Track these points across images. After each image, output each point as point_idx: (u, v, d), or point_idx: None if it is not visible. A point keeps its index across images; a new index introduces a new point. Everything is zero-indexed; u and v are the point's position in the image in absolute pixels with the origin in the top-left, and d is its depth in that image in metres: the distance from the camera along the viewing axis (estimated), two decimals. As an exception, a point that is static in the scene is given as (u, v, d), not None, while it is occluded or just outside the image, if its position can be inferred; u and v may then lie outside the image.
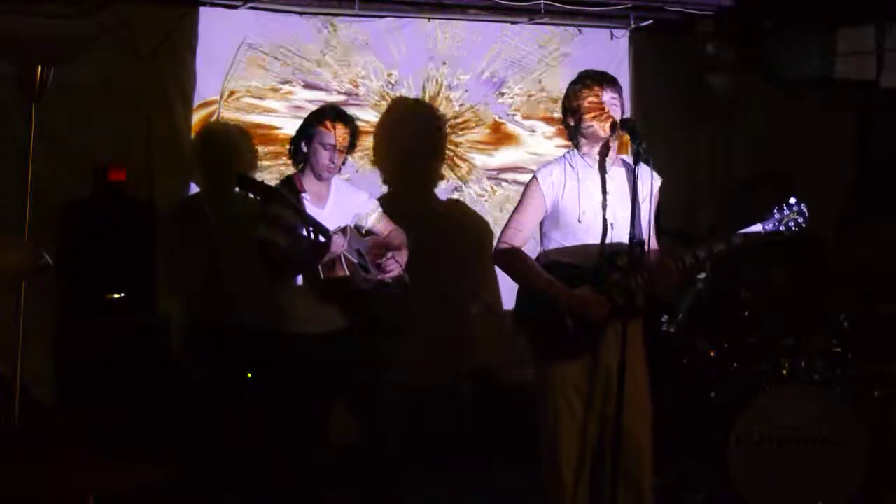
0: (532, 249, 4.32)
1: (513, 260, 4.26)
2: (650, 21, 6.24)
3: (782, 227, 4.26)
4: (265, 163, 5.78)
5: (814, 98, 6.67)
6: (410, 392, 5.30)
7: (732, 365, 5.31)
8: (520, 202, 4.30)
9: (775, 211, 4.26)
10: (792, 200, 4.27)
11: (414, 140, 6.08)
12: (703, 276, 5.31)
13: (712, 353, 5.37)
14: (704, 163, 6.69)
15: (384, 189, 5.93)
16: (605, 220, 4.16)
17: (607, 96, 4.20)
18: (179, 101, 5.65)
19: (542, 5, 5.87)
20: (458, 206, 6.19)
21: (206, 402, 5.43)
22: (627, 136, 4.15)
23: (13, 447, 3.90)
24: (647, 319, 4.43)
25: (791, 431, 5.00)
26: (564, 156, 4.30)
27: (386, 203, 4.98)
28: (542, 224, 4.28)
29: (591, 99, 4.20)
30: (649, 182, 4.13)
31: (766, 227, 4.25)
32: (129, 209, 5.40)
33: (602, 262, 4.14)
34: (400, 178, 5.99)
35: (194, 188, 5.70)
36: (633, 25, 6.27)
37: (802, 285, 5.56)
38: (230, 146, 5.73)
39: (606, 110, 4.18)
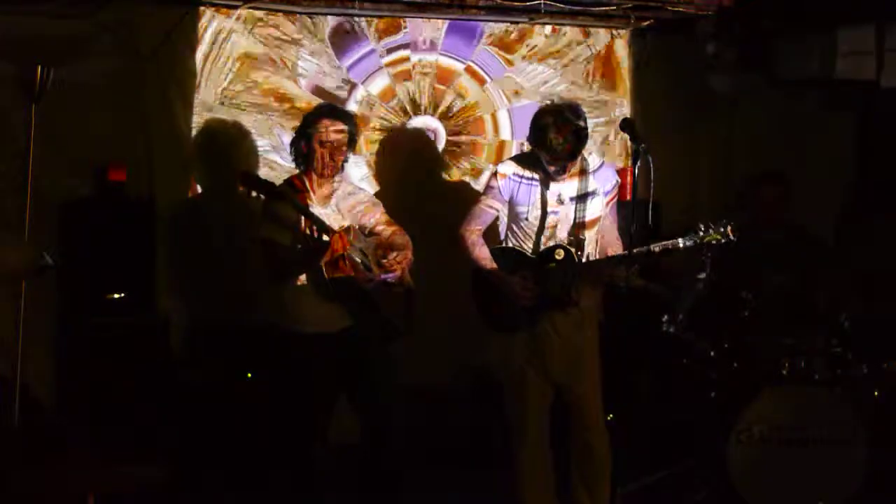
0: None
1: (467, 244, 4.76)
2: (650, 21, 6.23)
3: (703, 245, 4.53)
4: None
5: (814, 98, 6.66)
6: (410, 392, 5.29)
7: (732, 365, 5.32)
8: (483, 190, 4.85)
9: (700, 227, 4.52)
10: (722, 221, 4.52)
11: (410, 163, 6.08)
12: (703, 276, 5.31)
13: (712, 353, 5.37)
14: (704, 162, 6.68)
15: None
16: (543, 215, 4.63)
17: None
18: (179, 101, 5.66)
19: (542, 5, 5.86)
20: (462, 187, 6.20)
21: (206, 402, 5.43)
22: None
23: (13, 447, 3.90)
24: (637, 314, 4.93)
25: (791, 431, 5.01)
26: (525, 153, 4.70)
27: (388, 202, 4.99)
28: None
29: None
30: (603, 182, 4.69)
31: (686, 242, 4.54)
32: (129, 209, 5.41)
33: (543, 253, 4.66)
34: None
35: (196, 188, 5.70)
36: (633, 25, 6.26)
37: (802, 285, 5.56)
38: (231, 145, 5.73)
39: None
